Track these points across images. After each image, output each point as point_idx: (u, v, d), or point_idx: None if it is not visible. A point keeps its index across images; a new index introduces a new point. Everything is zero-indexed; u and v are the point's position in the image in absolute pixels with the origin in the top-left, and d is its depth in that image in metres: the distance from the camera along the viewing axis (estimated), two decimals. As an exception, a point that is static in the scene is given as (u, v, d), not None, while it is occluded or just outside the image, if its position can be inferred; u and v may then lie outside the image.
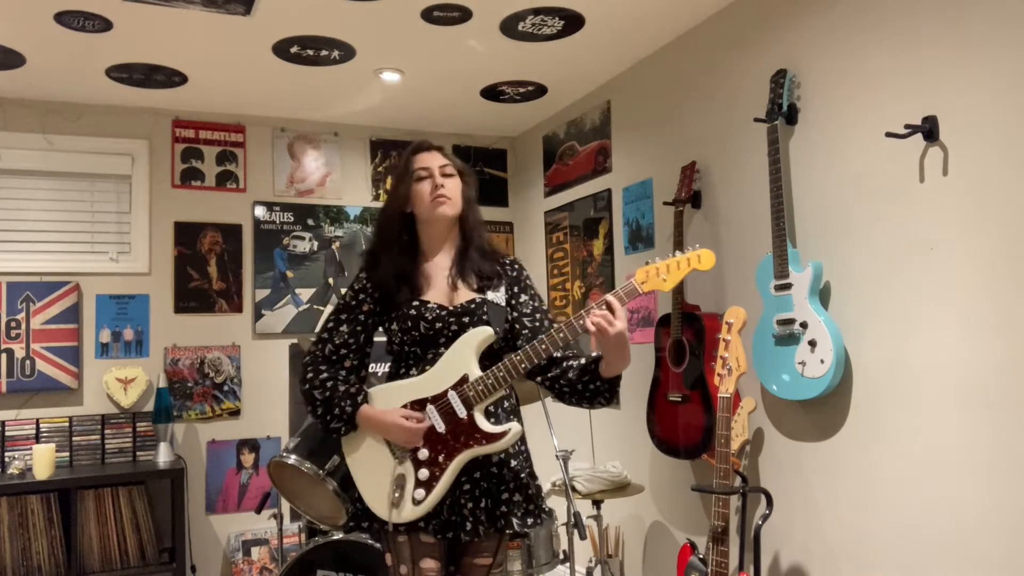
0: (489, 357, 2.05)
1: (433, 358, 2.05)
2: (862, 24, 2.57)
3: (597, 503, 3.25)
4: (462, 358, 2.00)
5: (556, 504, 3.41)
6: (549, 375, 2.08)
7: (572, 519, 2.95)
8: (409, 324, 2.06)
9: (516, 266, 2.20)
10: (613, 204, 3.94)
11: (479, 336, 2.00)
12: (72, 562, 3.61)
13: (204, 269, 4.24)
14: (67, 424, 3.89)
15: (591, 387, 2.03)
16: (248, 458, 4.24)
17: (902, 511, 2.43)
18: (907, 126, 2.34)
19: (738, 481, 2.66)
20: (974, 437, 2.22)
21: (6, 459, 3.78)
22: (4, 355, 3.82)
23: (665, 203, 3.37)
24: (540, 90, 4.11)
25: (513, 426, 1.96)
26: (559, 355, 2.05)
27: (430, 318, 2.05)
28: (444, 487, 1.96)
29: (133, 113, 4.17)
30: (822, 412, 2.71)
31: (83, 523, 3.68)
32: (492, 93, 4.14)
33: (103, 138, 4.10)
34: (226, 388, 4.23)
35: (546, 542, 3.20)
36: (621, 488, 3.24)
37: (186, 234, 4.22)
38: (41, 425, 3.85)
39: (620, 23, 3.30)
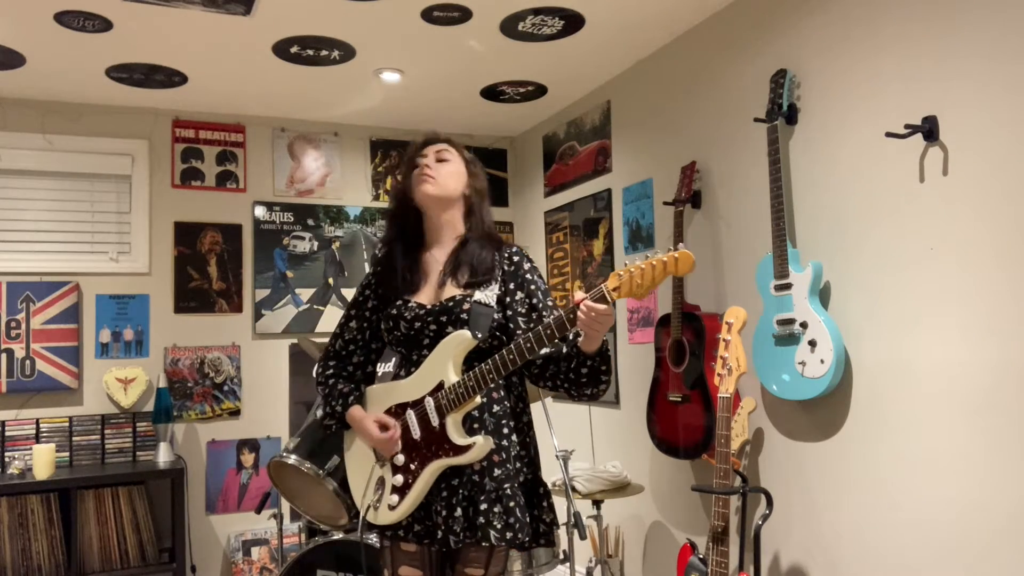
0: (482, 359, 1.93)
1: (418, 359, 2.02)
2: (862, 24, 2.57)
3: (597, 503, 3.25)
4: (440, 363, 1.95)
5: (556, 504, 3.41)
6: (547, 374, 1.97)
7: (572, 519, 2.95)
8: (391, 324, 2.05)
9: (515, 259, 2.06)
10: (613, 204, 3.94)
11: (456, 341, 1.93)
12: (72, 562, 3.60)
13: (204, 269, 4.24)
14: (67, 424, 3.89)
15: (583, 370, 1.90)
16: (248, 458, 4.24)
17: (902, 511, 2.43)
18: (907, 126, 2.34)
19: (738, 481, 2.66)
20: (974, 436, 2.22)
21: (6, 459, 3.78)
22: (4, 355, 3.82)
23: (665, 203, 3.37)
24: (540, 90, 4.11)
25: (478, 440, 1.87)
26: (545, 352, 1.92)
27: (409, 317, 2.02)
28: (417, 495, 1.93)
29: (133, 113, 4.17)
30: (822, 412, 2.71)
31: (83, 523, 3.68)
32: (492, 93, 4.14)
33: (103, 138, 4.10)
34: (226, 388, 4.23)
35: (546, 542, 3.20)
36: (621, 488, 3.24)
37: (186, 234, 4.22)
38: (41, 425, 3.85)
39: (620, 23, 3.30)
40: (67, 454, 3.87)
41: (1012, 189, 2.12)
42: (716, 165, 3.22)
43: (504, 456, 1.94)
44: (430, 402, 1.94)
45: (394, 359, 2.20)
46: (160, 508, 3.95)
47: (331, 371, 2.14)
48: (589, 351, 1.89)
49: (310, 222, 4.47)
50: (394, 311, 2.04)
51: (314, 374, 2.17)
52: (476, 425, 1.95)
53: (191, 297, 4.20)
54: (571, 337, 1.92)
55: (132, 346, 4.08)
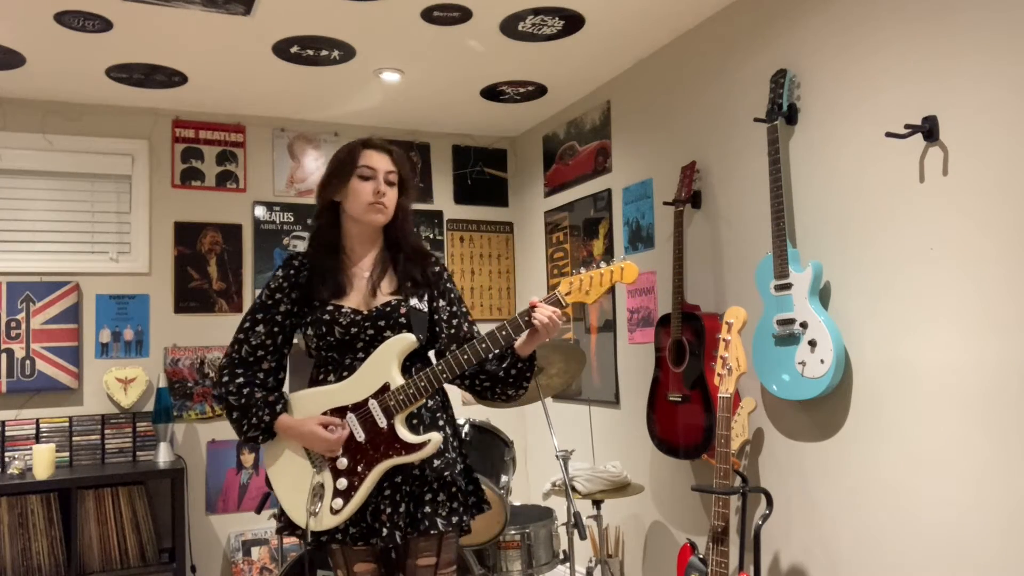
0: (412, 361, 2.06)
1: (351, 364, 2.03)
2: (862, 24, 2.57)
3: (597, 503, 3.25)
4: (383, 366, 1.98)
5: (556, 504, 3.42)
6: (467, 374, 2.07)
7: (572, 519, 2.95)
8: (324, 329, 2.03)
9: (436, 268, 2.16)
10: (613, 204, 3.94)
11: (401, 343, 1.99)
12: (72, 562, 3.60)
13: (204, 269, 4.24)
14: (67, 424, 3.89)
15: (513, 371, 2.05)
16: (248, 458, 4.24)
17: (902, 511, 2.43)
18: (907, 126, 2.34)
19: (738, 481, 2.66)
20: (974, 435, 2.22)
21: (6, 459, 3.78)
22: (4, 355, 3.82)
23: (665, 203, 3.37)
24: (540, 90, 4.11)
25: (433, 436, 1.95)
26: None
27: (344, 323, 2.02)
28: (362, 497, 1.95)
29: (133, 113, 4.17)
30: (822, 412, 2.71)
31: (83, 523, 3.68)
32: (492, 93, 4.14)
33: (103, 138, 4.10)
34: (226, 388, 4.22)
35: (546, 542, 3.20)
36: (621, 488, 3.23)
37: (186, 234, 4.22)
38: (41, 425, 3.85)
39: (620, 23, 3.31)
40: (67, 454, 3.87)
41: (1012, 189, 2.12)
42: (716, 165, 3.22)
43: (443, 447, 2.04)
44: (375, 404, 1.96)
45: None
46: (160, 508, 3.95)
47: (241, 379, 2.04)
48: (523, 354, 2.05)
49: (310, 222, 4.46)
50: (327, 316, 2.03)
51: (215, 384, 2.08)
52: (415, 421, 2.02)
53: (191, 297, 4.20)
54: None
55: (132, 346, 4.08)
